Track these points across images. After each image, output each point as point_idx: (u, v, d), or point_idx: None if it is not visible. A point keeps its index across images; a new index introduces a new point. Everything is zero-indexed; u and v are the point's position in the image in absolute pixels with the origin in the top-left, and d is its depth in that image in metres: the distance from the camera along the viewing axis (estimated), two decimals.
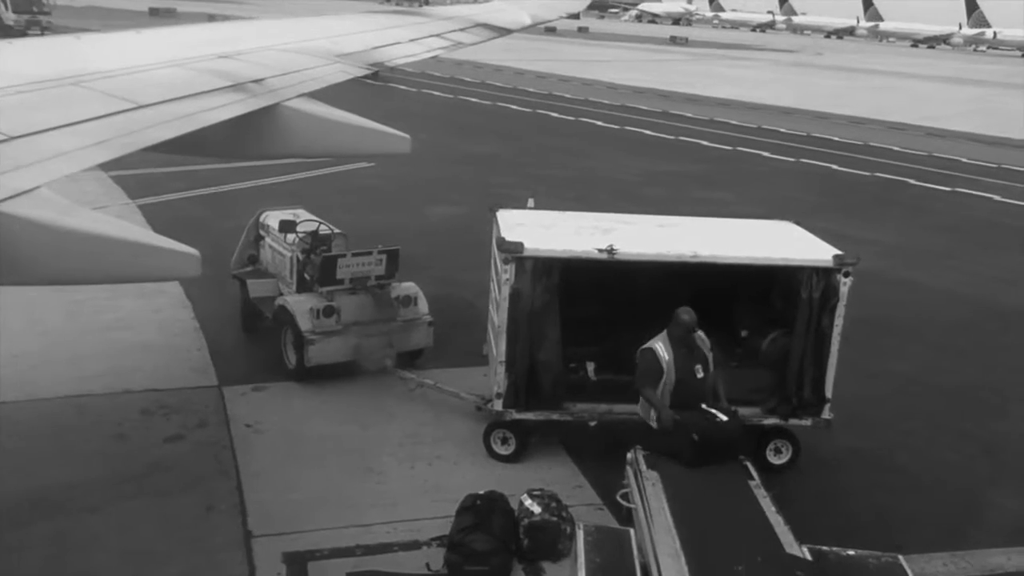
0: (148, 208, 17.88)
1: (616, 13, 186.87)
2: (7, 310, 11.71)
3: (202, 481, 8.71)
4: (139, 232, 4.74)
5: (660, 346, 8.20)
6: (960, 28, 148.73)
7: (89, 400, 10.14)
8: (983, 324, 14.90)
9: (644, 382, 8.25)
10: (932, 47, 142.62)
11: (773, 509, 7.01)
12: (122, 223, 4.85)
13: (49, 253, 4.12)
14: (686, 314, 8.17)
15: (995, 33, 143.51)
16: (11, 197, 3.88)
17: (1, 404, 9.74)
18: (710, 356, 8.40)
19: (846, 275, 9.02)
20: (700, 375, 8.25)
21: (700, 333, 8.35)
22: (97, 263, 4.33)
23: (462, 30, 11.35)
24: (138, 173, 18.91)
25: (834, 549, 6.66)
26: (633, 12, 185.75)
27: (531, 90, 44.25)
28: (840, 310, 9.09)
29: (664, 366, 8.12)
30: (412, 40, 10.03)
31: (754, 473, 7.62)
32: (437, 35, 10.68)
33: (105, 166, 4.71)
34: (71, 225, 4.17)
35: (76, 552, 7.57)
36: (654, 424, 8.12)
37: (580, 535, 6.82)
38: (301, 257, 11.35)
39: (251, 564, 7.54)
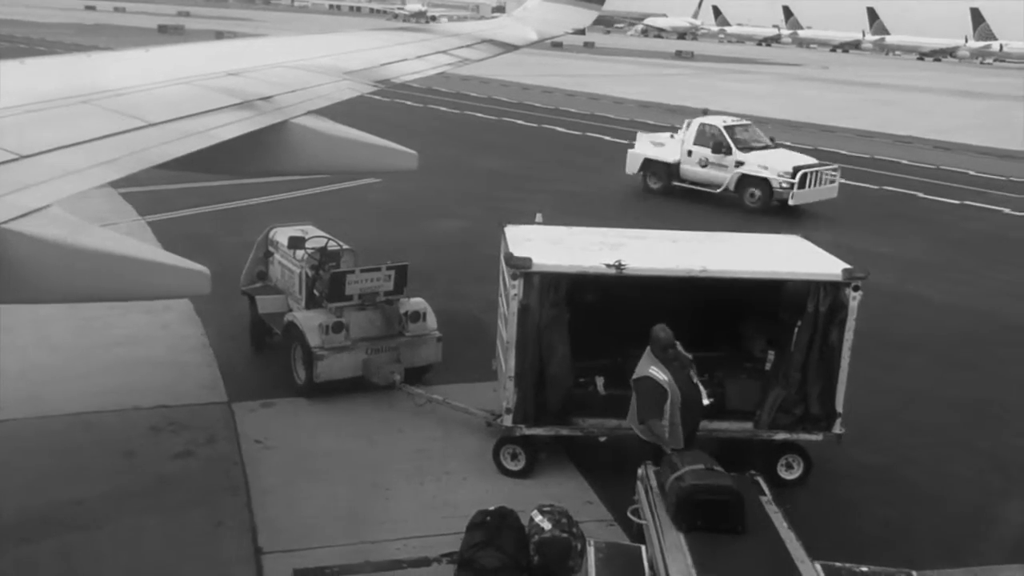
0: (158, 225, 17.95)
1: (622, 28, 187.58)
2: (16, 326, 11.76)
3: (211, 497, 8.70)
4: (149, 250, 4.75)
5: (654, 370, 8.17)
6: (966, 41, 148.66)
7: (98, 416, 10.15)
8: (992, 337, 14.82)
9: (650, 413, 8.12)
10: (938, 60, 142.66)
11: (785, 525, 6.96)
12: (132, 241, 4.85)
13: (59, 271, 4.13)
14: (663, 331, 8.23)
15: (1001, 46, 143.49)
16: (21, 216, 3.90)
17: (10, 420, 9.77)
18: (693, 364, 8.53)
19: (855, 289, 8.99)
20: (695, 380, 8.40)
21: (679, 345, 8.42)
22: (107, 281, 4.33)
23: (468, 46, 11.40)
24: (148, 190, 18.99)
25: (847, 565, 6.61)
26: (639, 27, 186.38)
27: (537, 105, 44.36)
28: (850, 324, 9.06)
29: (666, 387, 8.09)
30: (419, 57, 10.08)
31: (766, 488, 7.57)
32: (443, 51, 10.73)
33: (115, 183, 4.73)
34: (81, 243, 4.17)
35: (84, 568, 7.57)
36: (668, 448, 8.06)
37: (591, 551, 6.79)
38: (310, 273, 11.36)
39: None
